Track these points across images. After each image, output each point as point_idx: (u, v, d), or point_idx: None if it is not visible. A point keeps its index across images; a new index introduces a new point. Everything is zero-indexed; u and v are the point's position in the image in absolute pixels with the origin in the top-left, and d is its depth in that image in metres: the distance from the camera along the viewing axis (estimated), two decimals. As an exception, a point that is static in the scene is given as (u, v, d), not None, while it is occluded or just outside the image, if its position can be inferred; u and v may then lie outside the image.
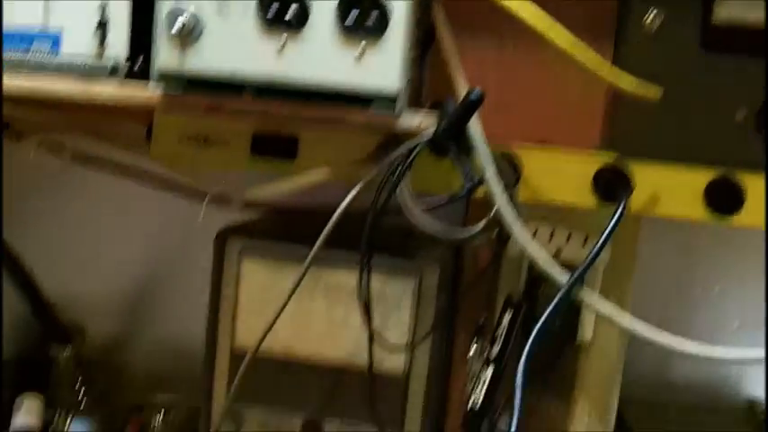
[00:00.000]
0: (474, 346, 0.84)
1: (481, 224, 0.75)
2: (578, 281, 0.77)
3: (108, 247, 1.13)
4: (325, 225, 0.78)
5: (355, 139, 0.82)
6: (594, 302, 0.77)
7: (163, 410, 1.07)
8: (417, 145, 0.72)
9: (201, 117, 0.84)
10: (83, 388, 0.99)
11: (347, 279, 0.86)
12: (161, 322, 1.14)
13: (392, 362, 0.86)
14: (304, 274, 0.81)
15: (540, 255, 0.76)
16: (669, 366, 1.07)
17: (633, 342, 0.93)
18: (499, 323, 0.80)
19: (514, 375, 0.78)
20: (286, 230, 0.93)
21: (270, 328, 0.83)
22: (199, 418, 0.94)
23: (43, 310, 0.95)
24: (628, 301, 0.84)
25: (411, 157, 0.73)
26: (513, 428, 0.71)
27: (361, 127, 0.74)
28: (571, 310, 0.87)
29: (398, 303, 0.85)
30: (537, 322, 0.75)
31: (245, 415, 0.91)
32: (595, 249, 0.77)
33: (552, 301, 0.76)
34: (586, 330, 0.89)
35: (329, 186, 0.84)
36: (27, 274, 0.92)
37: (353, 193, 0.77)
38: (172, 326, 1.13)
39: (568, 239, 0.85)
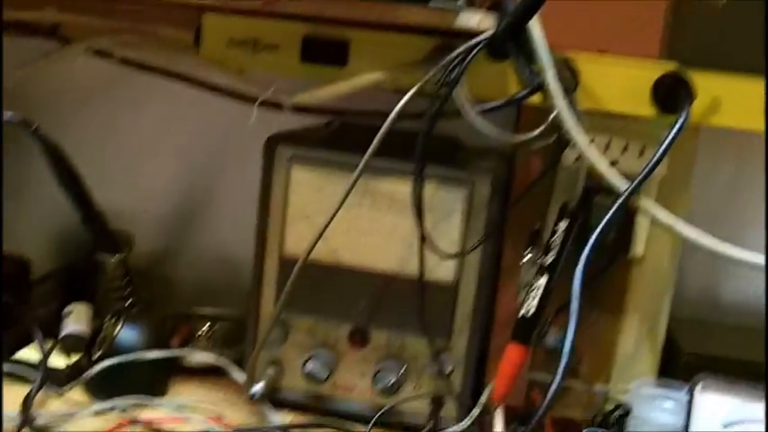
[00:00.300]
0: (528, 254, 0.83)
1: (540, 129, 0.74)
2: (636, 189, 0.75)
3: (156, 158, 1.12)
4: (376, 134, 0.76)
5: (409, 41, 0.80)
6: (652, 209, 0.75)
7: (209, 321, 1.08)
8: (477, 44, 0.70)
9: (251, 19, 0.83)
10: (130, 297, 1.00)
11: (397, 188, 0.84)
12: (208, 233, 1.14)
13: (442, 271, 0.86)
14: (354, 182, 0.80)
15: (600, 161, 0.74)
16: (719, 286, 1.06)
17: (684, 260, 0.91)
18: (554, 232, 0.79)
19: (565, 287, 0.77)
20: (336, 139, 0.92)
21: (319, 237, 0.82)
22: (244, 329, 0.95)
23: (93, 218, 0.95)
24: (683, 214, 0.82)
25: (470, 57, 0.71)
26: (570, 334, 0.70)
27: (417, 27, 0.73)
28: (624, 224, 0.85)
29: (449, 213, 0.84)
30: (592, 232, 0.74)
31: (293, 323, 0.91)
32: (655, 158, 0.75)
33: (608, 210, 0.75)
34: (639, 244, 0.87)
35: (381, 92, 0.83)
36: (78, 181, 0.92)
37: (408, 96, 0.75)
38: (219, 237, 1.13)
39: (624, 151, 0.83)
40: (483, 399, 0.87)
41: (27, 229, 1.15)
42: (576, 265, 0.73)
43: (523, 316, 0.79)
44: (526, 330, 0.80)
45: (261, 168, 0.88)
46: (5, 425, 0.81)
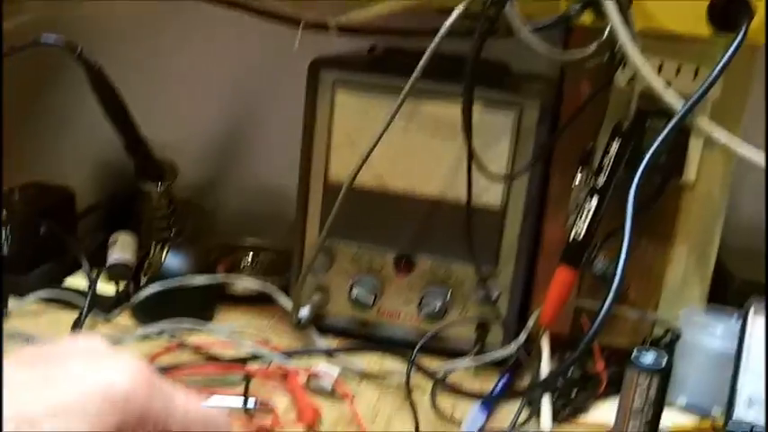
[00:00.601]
0: (579, 176, 0.81)
1: (593, 45, 0.72)
2: (691, 109, 0.73)
3: (199, 86, 1.11)
4: (421, 58, 0.75)
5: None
6: (707, 128, 0.73)
7: (253, 252, 1.08)
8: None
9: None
10: (175, 226, 1.00)
11: (444, 111, 0.83)
12: (252, 163, 1.14)
13: (489, 196, 0.85)
14: (400, 106, 0.79)
15: (655, 79, 0.72)
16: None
17: (735, 186, 0.89)
18: (606, 153, 0.77)
19: (614, 213, 0.76)
20: (381, 62, 0.90)
21: (364, 162, 0.81)
22: (288, 259, 0.95)
23: (137, 145, 0.95)
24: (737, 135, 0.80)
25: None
26: (622, 256, 0.69)
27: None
28: (676, 148, 0.83)
29: (497, 137, 0.83)
30: (644, 155, 0.72)
31: (338, 250, 0.90)
32: (711, 78, 0.73)
33: (662, 132, 0.73)
34: (691, 169, 0.86)
35: (428, 12, 0.81)
36: (122, 107, 0.92)
37: (456, 14, 0.73)
38: (263, 166, 1.13)
39: (678, 73, 0.81)
40: (530, 323, 0.87)
41: (72, 161, 1.16)
42: (627, 188, 0.72)
43: (573, 239, 0.78)
44: (576, 254, 0.78)
45: (305, 94, 0.88)
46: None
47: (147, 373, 0.32)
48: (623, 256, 0.69)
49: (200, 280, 0.91)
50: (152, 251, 0.95)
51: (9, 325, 0.88)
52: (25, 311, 0.91)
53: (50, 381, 0.31)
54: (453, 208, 0.85)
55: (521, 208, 0.85)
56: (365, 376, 0.85)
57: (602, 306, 0.68)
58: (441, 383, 0.81)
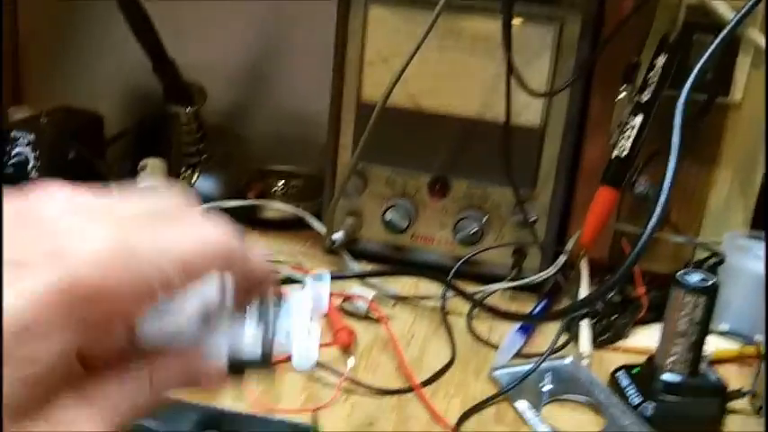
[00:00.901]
0: (623, 92, 0.78)
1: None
2: (742, 20, 0.70)
3: (229, 9, 1.08)
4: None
5: None
6: (758, 39, 0.70)
7: (283, 178, 1.07)
8: None
9: None
10: (204, 151, 0.98)
11: (481, 27, 0.80)
12: (282, 88, 1.11)
13: (528, 115, 0.82)
14: (434, 21, 0.76)
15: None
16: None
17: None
18: (651, 67, 0.74)
19: (658, 130, 0.73)
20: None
21: (398, 80, 0.79)
22: (320, 185, 0.93)
23: (166, 67, 0.93)
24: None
25: None
26: (669, 175, 0.66)
27: None
28: (723, 65, 0.80)
29: (538, 52, 0.80)
30: (691, 71, 0.69)
31: (371, 173, 0.88)
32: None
33: (710, 46, 0.70)
34: (738, 88, 0.82)
35: None
36: (151, 27, 0.89)
37: None
38: (293, 91, 1.10)
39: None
40: (568, 246, 0.85)
41: (100, 85, 1.14)
42: (673, 105, 0.69)
43: (617, 157, 0.75)
44: (618, 173, 0.76)
45: (336, 11, 0.85)
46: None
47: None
48: (669, 175, 0.67)
49: (232, 203, 0.89)
50: (182, 175, 0.94)
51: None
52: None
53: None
54: (490, 128, 0.83)
55: (560, 127, 0.82)
56: (400, 300, 0.84)
57: (646, 228, 0.66)
58: (479, 305, 0.79)
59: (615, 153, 0.75)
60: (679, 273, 0.67)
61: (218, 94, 1.05)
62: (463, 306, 0.82)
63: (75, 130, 0.97)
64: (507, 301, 0.85)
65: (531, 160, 0.84)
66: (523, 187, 0.84)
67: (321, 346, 0.72)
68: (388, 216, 0.88)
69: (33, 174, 0.93)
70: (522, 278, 0.85)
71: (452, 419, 0.64)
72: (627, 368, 0.72)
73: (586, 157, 0.89)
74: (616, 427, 0.66)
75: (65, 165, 0.95)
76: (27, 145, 0.93)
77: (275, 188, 1.06)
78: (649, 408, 0.67)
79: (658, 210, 0.66)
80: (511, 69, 0.75)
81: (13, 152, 0.93)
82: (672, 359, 0.67)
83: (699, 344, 0.67)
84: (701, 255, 0.86)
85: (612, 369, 0.73)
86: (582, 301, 0.78)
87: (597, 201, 0.77)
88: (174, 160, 1.00)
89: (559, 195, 0.85)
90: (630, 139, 0.74)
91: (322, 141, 0.91)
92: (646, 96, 0.74)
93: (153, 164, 0.99)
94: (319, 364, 0.69)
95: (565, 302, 0.85)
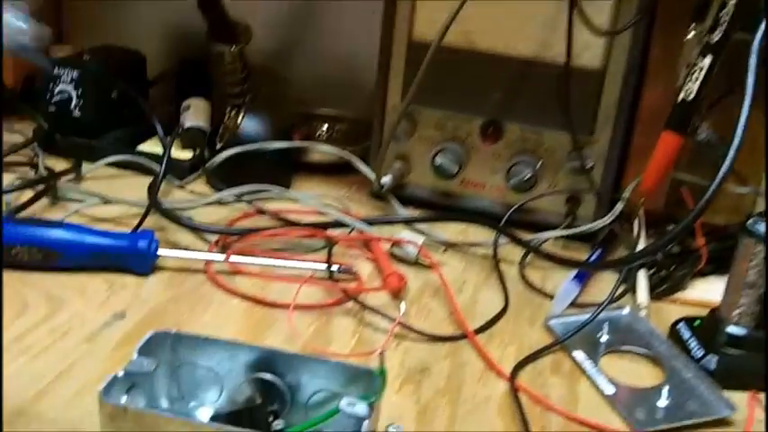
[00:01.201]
0: (692, 31, 0.75)
1: None
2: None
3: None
4: None
5: None
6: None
7: (328, 122, 1.04)
8: None
9: None
10: (249, 91, 0.96)
11: (541, -38, 0.77)
12: (328, 30, 1.08)
13: (588, 55, 0.78)
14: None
15: None
16: None
17: None
18: (723, 4, 0.70)
19: (725, 74, 0.70)
20: None
21: (453, 18, 0.75)
22: (365, 129, 0.91)
23: (211, 4, 0.90)
24: None
25: None
26: (742, 120, 0.63)
27: None
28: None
29: (599, -10, 0.76)
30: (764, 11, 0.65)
31: (422, 115, 0.86)
32: None
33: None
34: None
35: None
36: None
37: None
38: (340, 32, 1.07)
39: None
40: (626, 194, 0.82)
41: (142, 23, 1.12)
42: (747, 47, 0.65)
43: (683, 100, 0.71)
44: (684, 117, 0.72)
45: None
46: (134, 210, 0.80)
47: None
48: (743, 121, 0.64)
49: (278, 145, 0.87)
50: (227, 116, 0.91)
51: (84, 186, 0.86)
52: (99, 175, 0.88)
53: None
54: (548, 69, 0.79)
55: (621, 69, 0.79)
56: (450, 246, 0.81)
57: (715, 178, 0.63)
58: (534, 252, 0.77)
59: (681, 96, 0.72)
60: (749, 221, 0.64)
61: (264, 34, 1.02)
62: (515, 254, 0.80)
63: (118, 69, 0.95)
64: (560, 251, 0.82)
65: (589, 104, 0.80)
66: (580, 132, 0.81)
67: (371, 290, 0.71)
68: (438, 160, 0.85)
69: (76, 112, 0.92)
70: (576, 227, 0.82)
71: (507, 368, 0.62)
72: (687, 320, 0.69)
73: (645, 102, 0.85)
74: (677, 380, 0.63)
75: (108, 103, 0.94)
76: (70, 82, 0.91)
77: (319, 132, 1.04)
78: (713, 361, 0.64)
79: (729, 159, 0.64)
80: (573, 6, 0.71)
81: (56, 90, 0.91)
82: (738, 311, 0.64)
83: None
84: (760, 206, 0.83)
85: (670, 321, 0.70)
86: (643, 251, 0.76)
87: (660, 146, 0.74)
88: (218, 101, 0.98)
89: (618, 141, 0.82)
90: (698, 82, 0.70)
91: (368, 85, 0.89)
92: (716, 36, 0.70)
93: (196, 104, 0.97)
94: (370, 309, 0.68)
95: (620, 252, 0.83)
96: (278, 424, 0.48)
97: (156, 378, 0.49)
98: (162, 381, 0.50)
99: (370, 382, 0.48)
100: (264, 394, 0.50)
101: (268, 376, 0.50)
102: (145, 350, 0.48)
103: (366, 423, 0.44)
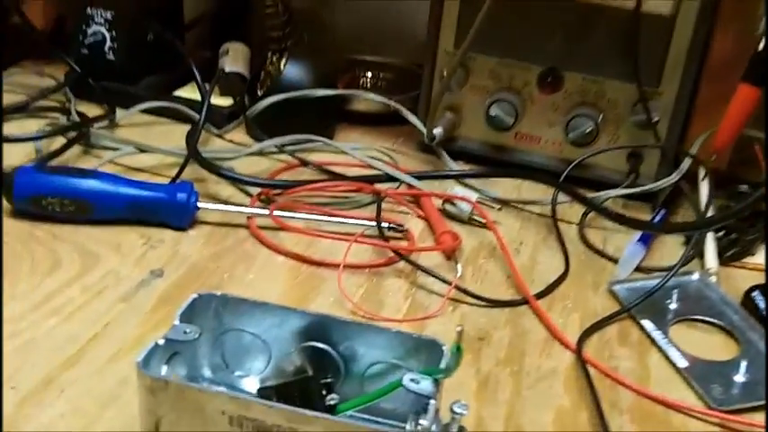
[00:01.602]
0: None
1: None
2: None
3: None
4: None
5: None
6: None
7: (373, 69, 0.99)
8: None
9: None
10: (291, 36, 0.91)
11: None
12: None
13: (658, 1, 0.72)
14: None
15: None
16: None
17: None
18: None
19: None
20: None
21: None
22: (411, 78, 0.86)
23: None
24: None
25: None
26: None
27: None
28: None
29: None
30: None
31: (475, 63, 0.80)
32: None
33: None
34: None
35: None
36: None
37: None
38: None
39: None
40: (694, 150, 0.76)
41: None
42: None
43: (763, 50, 0.66)
44: (764, 70, 0.66)
45: None
46: (171, 159, 0.76)
47: None
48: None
49: (323, 92, 0.82)
50: (268, 61, 0.87)
51: (118, 133, 0.82)
52: (134, 122, 0.84)
53: None
54: (612, 15, 0.74)
55: (693, 17, 0.73)
56: (504, 204, 0.76)
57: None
58: (598, 211, 0.71)
59: (762, 46, 0.66)
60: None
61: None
62: (572, 214, 0.75)
63: (154, 11, 0.90)
64: (620, 211, 0.77)
65: (657, 53, 0.75)
66: (647, 83, 0.76)
67: (424, 249, 0.66)
68: (493, 111, 0.80)
69: (110, 55, 0.87)
70: (639, 185, 0.77)
71: (572, 336, 0.58)
72: (762, 288, 0.64)
73: (714, 52, 0.79)
74: (754, 353, 0.58)
75: (143, 46, 0.89)
76: (104, 23, 0.86)
77: (364, 80, 0.99)
78: (794, 334, 0.59)
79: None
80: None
81: (89, 31, 0.87)
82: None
83: None
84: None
85: (740, 288, 0.65)
86: (723, 214, 0.71)
87: (736, 100, 0.68)
88: (258, 46, 0.93)
89: (686, 94, 0.76)
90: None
91: (416, 30, 0.84)
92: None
93: (235, 48, 0.92)
94: (423, 270, 0.63)
95: (683, 213, 0.77)
96: (332, 398, 0.44)
97: (199, 345, 0.45)
98: (205, 348, 0.46)
99: (432, 353, 0.44)
100: (316, 365, 0.45)
101: (320, 345, 0.45)
102: (187, 315, 0.44)
103: (432, 403, 0.39)
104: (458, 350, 0.39)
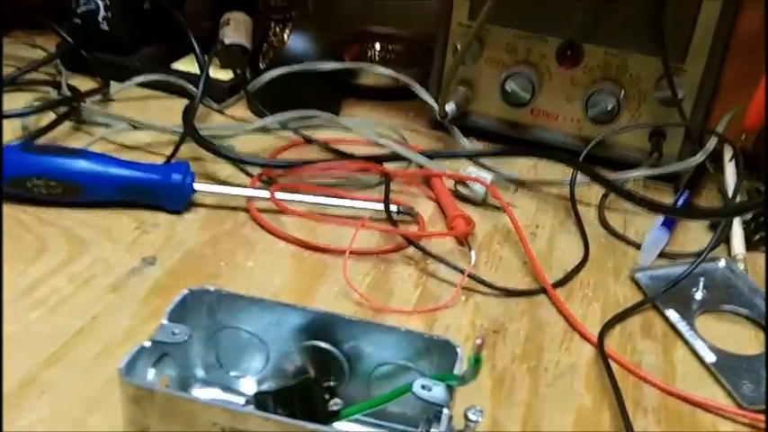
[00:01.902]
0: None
1: None
2: None
3: None
4: None
5: None
6: None
7: (381, 41, 0.95)
8: None
9: None
10: (294, 6, 0.87)
11: None
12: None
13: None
14: None
15: None
16: None
17: None
18: None
19: None
20: None
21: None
22: (421, 51, 0.82)
23: None
24: None
25: None
26: None
27: None
28: None
29: None
30: None
31: (490, 35, 0.76)
32: None
33: None
34: None
35: None
36: None
37: None
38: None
39: None
40: (721, 128, 0.72)
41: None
42: None
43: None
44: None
45: None
46: (167, 137, 0.72)
47: None
48: None
49: (330, 66, 0.77)
50: (271, 32, 0.82)
51: (112, 109, 0.78)
52: (128, 96, 0.80)
53: None
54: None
55: (721, -9, 0.68)
56: (520, 185, 0.72)
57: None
58: (619, 193, 0.67)
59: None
60: None
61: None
62: (590, 195, 0.71)
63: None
64: (641, 192, 0.73)
65: (683, 27, 0.70)
66: (672, 58, 0.71)
67: (436, 234, 0.63)
68: (509, 86, 0.76)
69: (104, 25, 0.83)
70: (662, 165, 0.73)
71: (592, 328, 0.54)
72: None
73: (741, 28, 0.75)
74: (788, 348, 0.55)
75: (139, 16, 0.85)
76: (97, -8, 0.82)
77: (372, 53, 0.95)
78: (830, 327, 0.55)
79: None
80: None
81: (82, 0, 0.83)
82: None
83: None
84: None
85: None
86: (754, 201, 0.67)
87: (770, 78, 0.64)
88: (261, 15, 0.89)
89: (713, 70, 0.72)
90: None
91: (425, 1, 0.79)
92: None
93: (237, 18, 0.88)
94: (434, 257, 0.59)
95: (706, 195, 0.73)
96: (336, 403, 0.40)
97: (191, 344, 0.41)
98: (198, 347, 0.42)
99: (444, 354, 0.40)
100: (318, 366, 0.42)
101: (323, 344, 0.42)
102: (177, 312, 0.40)
103: (446, 413, 0.36)
104: (476, 362, 0.35)
